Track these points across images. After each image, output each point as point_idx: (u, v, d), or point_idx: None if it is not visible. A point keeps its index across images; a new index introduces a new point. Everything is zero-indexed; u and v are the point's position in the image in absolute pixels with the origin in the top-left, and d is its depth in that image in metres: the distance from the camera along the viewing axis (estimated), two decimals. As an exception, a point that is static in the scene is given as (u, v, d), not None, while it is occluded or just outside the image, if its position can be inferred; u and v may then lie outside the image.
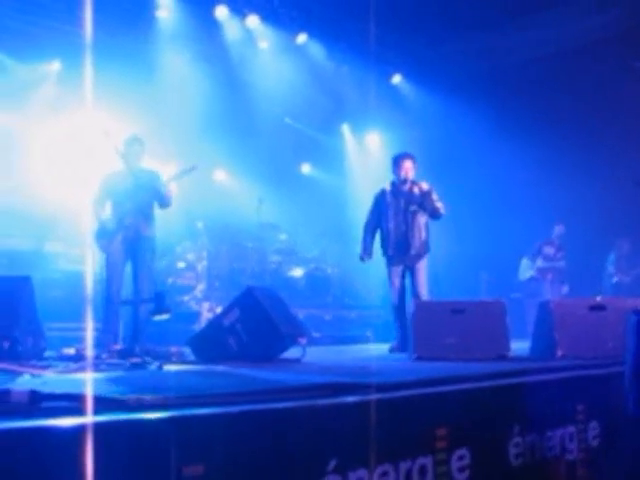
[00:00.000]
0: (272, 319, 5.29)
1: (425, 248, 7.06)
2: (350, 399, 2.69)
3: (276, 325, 5.28)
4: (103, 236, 6.28)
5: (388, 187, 7.19)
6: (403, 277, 7.10)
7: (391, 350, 6.77)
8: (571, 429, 3.44)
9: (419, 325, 5.30)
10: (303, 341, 5.54)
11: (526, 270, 10.84)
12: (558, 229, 10.52)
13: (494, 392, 3.24)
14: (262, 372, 4.30)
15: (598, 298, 5.77)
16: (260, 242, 10.34)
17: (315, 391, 2.79)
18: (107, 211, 6.38)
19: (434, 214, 7.04)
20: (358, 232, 7.48)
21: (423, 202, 6.97)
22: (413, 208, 7.01)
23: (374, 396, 2.75)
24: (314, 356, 5.64)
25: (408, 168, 7.07)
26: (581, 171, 10.36)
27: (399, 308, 6.99)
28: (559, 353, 5.05)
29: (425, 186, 7.01)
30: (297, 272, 10.25)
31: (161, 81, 9.87)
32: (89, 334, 5.36)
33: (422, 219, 7.04)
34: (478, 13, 9.55)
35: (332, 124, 12.35)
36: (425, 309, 5.45)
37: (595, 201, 10.25)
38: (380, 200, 7.21)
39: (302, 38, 10.83)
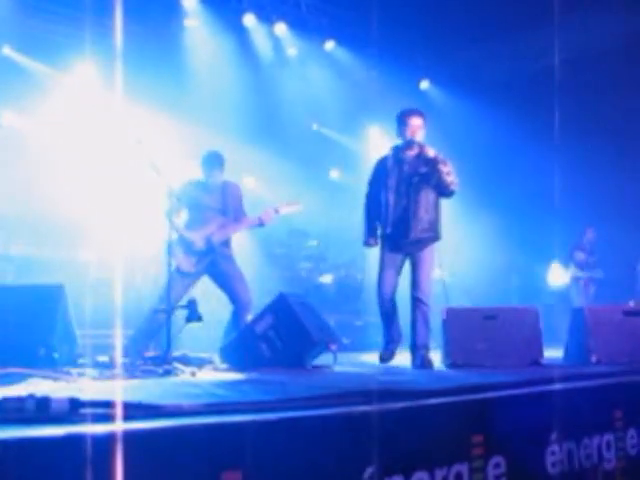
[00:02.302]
0: (304, 325, 5.32)
1: (430, 233, 5.65)
2: (385, 406, 2.69)
3: (308, 331, 5.30)
4: (188, 254, 6.20)
5: (390, 151, 5.91)
6: (399, 268, 5.79)
7: (382, 360, 5.77)
8: (609, 437, 3.40)
9: (452, 331, 5.29)
10: (334, 347, 5.55)
11: (557, 276, 10.72)
12: (589, 233, 10.39)
13: (530, 399, 3.22)
14: (295, 379, 4.32)
15: (632, 303, 5.72)
16: (289, 248, 10.38)
17: (349, 398, 2.79)
18: (181, 221, 6.24)
19: (441, 189, 5.64)
20: None
21: (428, 172, 5.60)
22: (417, 179, 5.64)
23: (409, 403, 2.75)
24: (345, 362, 5.65)
25: (416, 127, 5.68)
26: (613, 175, 10.26)
27: (389, 308, 5.79)
28: (593, 359, 5.01)
29: (431, 152, 5.59)
30: (327, 278, 10.26)
31: (190, 89, 9.96)
32: (117, 342, 5.41)
33: (429, 195, 5.65)
34: (506, 16, 9.50)
35: (361, 130, 12.36)
36: (456, 316, 5.43)
37: (628, 206, 10.14)
38: (380, 167, 5.92)
39: (330, 45, 10.87)
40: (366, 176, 11.30)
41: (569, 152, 10.48)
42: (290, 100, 10.85)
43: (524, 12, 9.41)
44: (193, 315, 5.39)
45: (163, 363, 4.97)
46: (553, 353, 5.66)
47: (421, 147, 5.65)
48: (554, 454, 3.15)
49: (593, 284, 10.41)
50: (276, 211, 6.42)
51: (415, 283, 5.68)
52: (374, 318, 9.80)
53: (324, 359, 5.52)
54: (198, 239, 6.20)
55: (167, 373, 4.75)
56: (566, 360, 5.43)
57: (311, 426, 2.43)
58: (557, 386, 3.48)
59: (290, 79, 10.89)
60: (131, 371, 4.77)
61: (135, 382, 4.18)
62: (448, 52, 10.75)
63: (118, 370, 4.71)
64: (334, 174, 12.64)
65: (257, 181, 11.40)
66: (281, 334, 5.30)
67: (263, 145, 10.40)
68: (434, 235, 5.70)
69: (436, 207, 5.71)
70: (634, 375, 3.90)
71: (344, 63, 11.03)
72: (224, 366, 5.39)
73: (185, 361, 5.23)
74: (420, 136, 5.69)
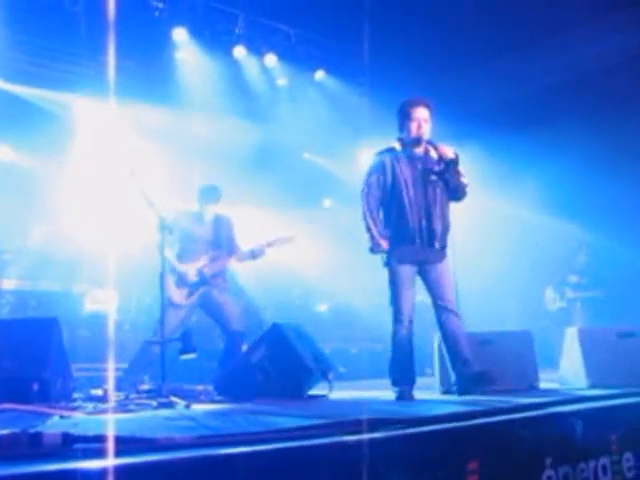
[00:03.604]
0: (299, 355, 5.31)
1: (447, 240, 5.10)
2: (380, 435, 2.69)
3: (303, 361, 5.30)
4: (181, 286, 6.22)
5: (398, 146, 5.15)
6: (414, 285, 5.07)
7: (400, 397, 4.84)
8: (604, 461, 3.39)
9: (444, 357, 5.26)
10: (330, 376, 5.54)
11: (552, 300, 10.77)
12: (581, 257, 10.49)
13: (525, 424, 3.21)
14: (290, 409, 4.30)
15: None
16: (283, 279, 10.39)
17: (341, 428, 2.79)
18: (172, 253, 6.21)
19: (457, 192, 5.06)
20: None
21: (445, 172, 5.00)
22: (434, 179, 5.01)
23: (404, 431, 2.75)
24: (341, 391, 5.63)
25: (423, 120, 5.03)
26: (609, 199, 10.30)
27: (409, 335, 4.97)
28: (589, 382, 5.00)
29: (450, 152, 4.98)
30: (322, 306, 10.26)
31: (182, 120, 10.03)
32: (110, 374, 5.39)
33: (445, 196, 5.06)
34: (493, 44, 9.58)
35: (352, 158, 12.42)
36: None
37: (625, 228, 10.18)
38: (388, 163, 5.07)
39: (320, 74, 10.97)
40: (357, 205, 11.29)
41: (564, 175, 10.49)
42: (282, 130, 10.93)
43: (510, 39, 9.48)
44: (187, 347, 5.39)
45: (157, 396, 4.96)
46: (550, 375, 5.66)
47: (434, 145, 5.02)
48: (550, 479, 3.14)
49: (589, 304, 10.44)
50: (269, 245, 6.43)
51: (441, 295, 5.03)
52: (370, 344, 9.85)
53: (321, 388, 5.50)
54: (190, 271, 6.22)
55: (161, 406, 4.73)
56: (562, 383, 5.42)
57: (302, 456, 2.42)
58: (551, 410, 3.48)
59: (281, 109, 10.97)
60: (125, 405, 4.75)
61: (129, 416, 4.16)
62: (437, 79, 10.82)
63: (112, 404, 4.70)
64: (327, 203, 12.66)
65: (250, 210, 11.43)
66: (276, 364, 5.29)
67: (256, 175, 10.44)
68: (439, 246, 5.07)
69: (449, 210, 5.15)
70: (628, 397, 3.89)
71: (334, 92, 11.12)
72: (219, 398, 5.37)
73: (180, 393, 5.21)
74: (427, 131, 5.05)
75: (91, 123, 9.38)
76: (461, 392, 4.86)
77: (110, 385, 5.15)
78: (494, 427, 3.09)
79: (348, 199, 12.41)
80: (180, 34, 9.86)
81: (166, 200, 6.79)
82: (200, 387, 5.82)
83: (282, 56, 10.60)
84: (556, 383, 5.48)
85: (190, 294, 6.19)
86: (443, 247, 5.05)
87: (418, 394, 4.92)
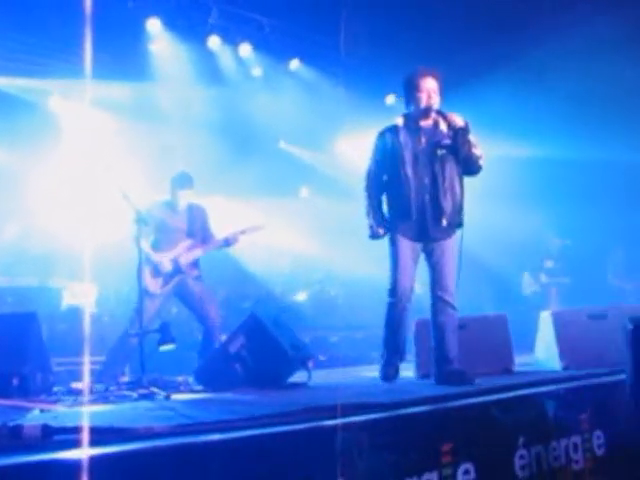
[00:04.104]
0: (278, 343, 5.34)
1: (459, 217, 4.78)
2: (356, 419, 2.74)
3: (282, 349, 5.32)
4: (156, 276, 6.26)
5: (401, 122, 4.94)
6: (417, 262, 4.84)
7: (386, 378, 4.91)
8: (576, 439, 3.48)
9: (423, 343, 5.31)
10: (309, 364, 5.59)
11: (529, 285, 10.93)
12: (554, 241, 10.67)
13: (498, 406, 3.28)
14: (269, 397, 4.35)
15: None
16: (263, 267, 10.44)
17: (317, 413, 2.84)
18: (147, 244, 6.25)
19: (469, 165, 4.77)
20: (360, 251, 7.31)
21: (457, 143, 4.69)
22: (442, 152, 4.75)
23: (379, 415, 2.81)
24: (321, 379, 5.68)
25: (432, 91, 4.77)
26: (580, 184, 10.45)
27: (402, 310, 4.83)
28: (562, 364, 5.09)
29: (460, 120, 4.70)
30: (302, 295, 10.31)
31: (157, 111, 10.00)
32: (90, 367, 5.41)
33: (454, 171, 4.77)
34: (470, 32, 9.58)
35: (329, 147, 12.46)
36: (426, 327, 5.45)
37: (594, 213, 10.34)
38: (389, 140, 4.88)
39: (295, 63, 10.97)
40: (335, 193, 11.35)
41: (537, 162, 10.63)
42: (257, 120, 10.92)
43: (483, 27, 9.48)
44: (166, 338, 5.42)
45: (137, 387, 4.98)
46: (525, 359, 5.75)
47: (443, 115, 4.74)
48: (523, 458, 3.22)
49: (562, 289, 10.62)
50: (242, 232, 6.49)
51: (440, 281, 4.76)
52: (350, 333, 9.92)
53: (300, 376, 5.54)
54: (165, 261, 6.26)
55: (141, 397, 4.76)
56: (536, 366, 5.51)
57: (279, 442, 2.47)
58: (524, 392, 3.56)
59: (256, 99, 10.96)
60: (105, 397, 4.77)
61: (109, 407, 4.19)
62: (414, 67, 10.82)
63: (93, 396, 4.72)
64: (304, 192, 12.69)
65: (225, 200, 11.45)
66: (255, 353, 5.31)
67: (232, 165, 10.44)
68: (461, 220, 4.79)
69: (462, 186, 4.80)
70: (599, 378, 3.98)
71: (309, 81, 11.12)
72: (199, 388, 5.40)
73: (160, 384, 5.23)
74: (436, 102, 4.78)
75: (66, 117, 9.33)
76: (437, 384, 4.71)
77: (90, 378, 5.18)
78: (468, 409, 3.16)
79: (325, 188, 12.50)
80: (154, 25, 9.78)
81: (142, 192, 6.82)
82: (180, 378, 5.84)
83: (256, 46, 10.57)
84: (531, 366, 5.56)
85: (165, 283, 6.24)
86: (451, 225, 4.76)
87: (396, 382, 4.97)
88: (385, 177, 4.95)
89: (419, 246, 4.81)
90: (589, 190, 10.41)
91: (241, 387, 5.12)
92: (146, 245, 6.16)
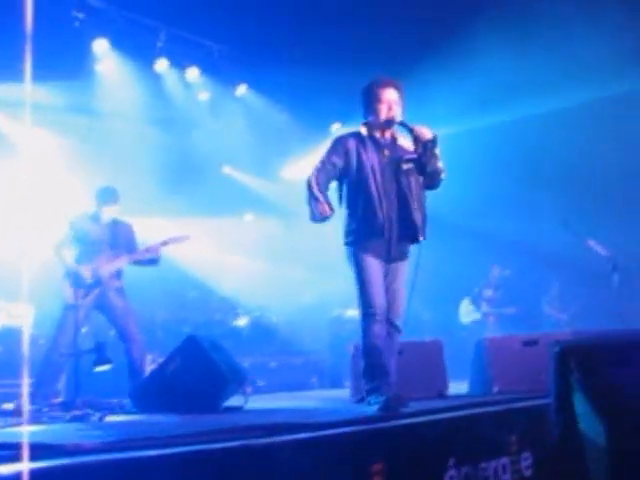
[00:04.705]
0: (215, 365, 5.30)
1: (423, 236, 4.53)
2: (285, 438, 2.76)
3: (219, 371, 5.29)
4: (75, 287, 6.17)
5: (365, 131, 4.62)
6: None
7: (389, 409, 3.91)
8: (505, 460, 3.55)
9: (357, 367, 5.33)
10: (247, 388, 5.57)
11: (468, 313, 11.09)
12: (494, 271, 10.88)
13: (428, 427, 3.34)
14: (204, 418, 4.33)
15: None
16: (203, 292, 10.39)
17: (251, 432, 2.85)
18: (71, 256, 6.27)
19: (434, 178, 4.51)
20: (302, 279, 7.37)
21: (424, 157, 4.39)
22: (407, 167, 4.49)
23: (309, 434, 2.83)
24: (258, 403, 5.66)
25: (393, 102, 4.53)
26: (522, 213, 10.72)
27: (381, 332, 4.38)
28: (495, 389, 5.19)
29: (428, 133, 4.39)
30: (242, 321, 10.27)
31: (102, 132, 9.94)
32: (25, 388, 5.30)
33: (420, 184, 4.54)
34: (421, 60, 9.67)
35: (275, 173, 12.51)
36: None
37: (537, 245, 10.62)
38: (352, 147, 4.54)
39: (242, 89, 11.05)
40: (280, 219, 11.34)
41: (477, 191, 10.84)
42: (203, 144, 10.94)
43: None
44: (102, 359, 5.35)
45: (71, 409, 4.90)
46: (461, 385, 5.83)
47: (408, 128, 4.44)
48: (452, 478, 3.27)
49: (501, 319, 10.82)
50: (164, 243, 6.47)
51: (393, 305, 4.51)
52: (289, 358, 9.91)
53: (237, 400, 5.52)
54: (85, 272, 6.20)
55: (74, 419, 4.68)
56: (471, 390, 5.60)
57: (205, 460, 2.47)
58: (454, 414, 3.62)
59: (203, 123, 10.99)
60: (37, 418, 4.68)
61: (41, 427, 4.11)
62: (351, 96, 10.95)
63: (24, 417, 4.62)
64: (248, 218, 12.70)
65: (167, 222, 11.37)
66: (192, 376, 5.25)
67: (175, 188, 10.41)
68: (423, 238, 4.54)
69: (425, 201, 4.58)
70: (527, 401, 4.08)
71: (256, 107, 11.20)
72: (135, 410, 5.33)
73: (94, 406, 5.15)
74: (398, 113, 4.54)
75: (6, 134, 9.18)
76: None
77: (23, 400, 5.08)
78: (399, 430, 3.20)
79: (270, 215, 12.54)
80: (101, 45, 9.76)
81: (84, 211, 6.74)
82: (115, 400, 5.76)
83: (204, 70, 10.63)
84: (465, 390, 5.65)
85: (85, 295, 6.16)
86: (416, 240, 4.52)
87: (329, 403, 5.00)
88: (344, 186, 4.61)
89: (384, 266, 4.51)
90: (528, 220, 10.70)
91: (177, 410, 5.07)
92: (67, 257, 6.20)
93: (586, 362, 2.77)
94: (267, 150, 11.45)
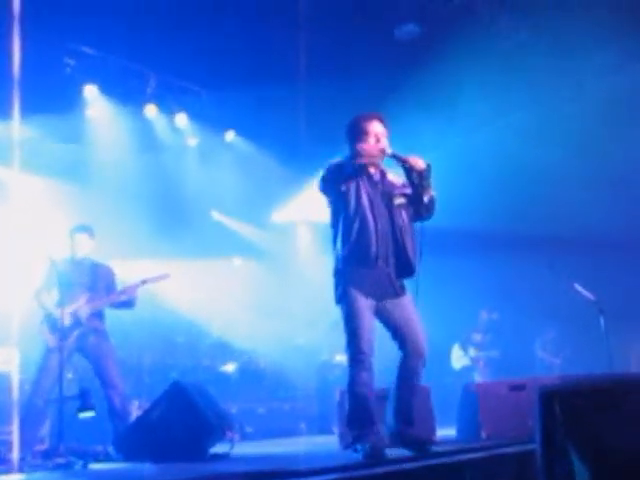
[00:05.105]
0: (200, 412, 5.26)
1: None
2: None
3: (205, 418, 5.25)
4: (54, 331, 6.11)
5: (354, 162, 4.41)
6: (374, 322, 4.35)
7: (371, 454, 3.87)
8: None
9: (345, 413, 5.28)
10: (231, 435, 5.51)
11: (458, 359, 11.06)
12: (482, 315, 10.89)
13: (415, 474, 3.31)
14: (189, 466, 4.27)
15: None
16: (192, 337, 10.32)
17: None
18: (52, 300, 6.21)
19: (430, 209, 4.42)
20: (290, 324, 7.19)
21: (420, 188, 4.30)
22: (399, 202, 4.44)
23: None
24: (244, 450, 5.61)
25: (380, 134, 4.46)
26: (511, 259, 10.77)
27: (370, 381, 4.24)
28: (484, 434, 5.16)
29: (422, 162, 4.29)
30: (230, 366, 10.18)
31: (91, 178, 9.97)
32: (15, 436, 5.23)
33: (411, 219, 4.47)
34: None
35: (263, 219, 12.54)
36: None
37: (524, 288, 10.66)
38: (345, 172, 4.39)
39: (230, 135, 11.16)
40: (269, 265, 11.29)
41: (466, 237, 10.91)
42: (191, 189, 10.99)
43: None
44: (86, 405, 5.28)
45: (54, 456, 4.83)
46: (449, 430, 5.79)
47: (401, 159, 4.31)
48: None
49: (491, 363, 10.79)
50: (143, 282, 6.44)
51: (411, 336, 4.35)
52: (277, 404, 9.82)
53: (224, 447, 5.45)
54: (65, 315, 6.15)
55: (57, 467, 4.61)
56: (459, 436, 5.56)
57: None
58: (442, 460, 3.59)
59: (191, 168, 11.06)
60: (20, 466, 4.61)
61: (23, 477, 4.04)
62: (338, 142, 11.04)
63: (4, 466, 4.56)
64: (237, 262, 12.68)
65: (153, 264, 11.31)
66: (177, 422, 5.20)
67: (165, 232, 10.40)
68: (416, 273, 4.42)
69: (415, 237, 4.47)
70: (515, 447, 4.04)
71: (244, 153, 11.29)
72: (119, 457, 5.26)
73: (77, 453, 5.09)
74: (386, 145, 4.44)
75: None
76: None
77: (4, 447, 5.01)
78: (384, 477, 3.17)
79: (259, 260, 12.52)
80: (91, 91, 9.86)
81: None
82: (99, 447, 5.68)
83: (193, 116, 10.74)
84: (453, 436, 5.61)
85: (65, 337, 6.09)
86: (411, 276, 4.41)
87: (317, 450, 4.94)
88: (342, 211, 4.41)
89: (374, 304, 4.32)
90: (518, 266, 10.74)
91: (162, 457, 5.00)
92: (47, 301, 6.17)
93: (571, 407, 2.76)
94: (256, 195, 11.48)
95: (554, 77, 9.25)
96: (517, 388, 5.31)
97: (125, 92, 10.06)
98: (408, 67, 8.97)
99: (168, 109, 10.56)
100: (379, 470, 3.23)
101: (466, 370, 10.79)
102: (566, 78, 9.33)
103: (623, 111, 9.24)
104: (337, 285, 4.41)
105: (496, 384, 5.66)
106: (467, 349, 10.90)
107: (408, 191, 4.44)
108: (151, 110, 10.44)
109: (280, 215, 12.63)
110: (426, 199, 4.35)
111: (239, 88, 9.88)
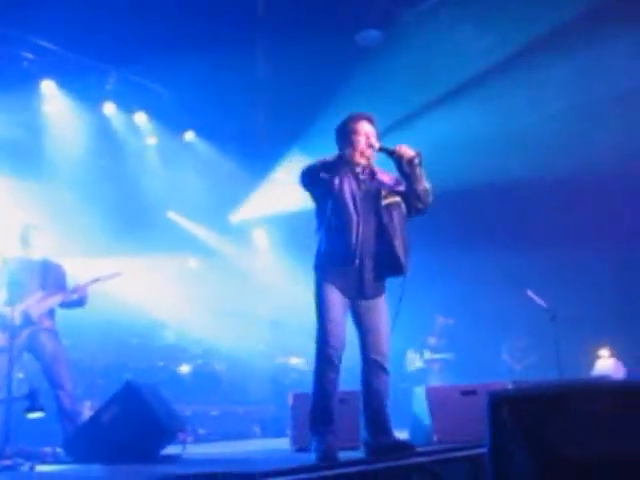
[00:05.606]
0: (153, 413, 5.20)
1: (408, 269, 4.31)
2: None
3: (157, 419, 5.19)
4: (4, 329, 5.97)
5: (339, 160, 4.35)
6: (346, 321, 4.31)
7: (324, 457, 3.92)
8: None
9: (298, 416, 5.30)
10: (184, 436, 5.47)
11: (413, 362, 11.13)
12: (438, 319, 10.99)
13: (364, 477, 3.32)
14: (139, 468, 4.23)
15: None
16: (146, 339, 10.21)
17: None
18: (2, 298, 6.09)
19: (424, 199, 4.35)
20: (246, 327, 7.07)
21: (412, 175, 4.25)
22: (388, 201, 4.37)
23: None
24: (197, 451, 5.57)
25: (370, 134, 4.39)
26: (474, 270, 10.89)
27: (335, 377, 4.19)
28: (435, 438, 5.18)
29: (411, 150, 4.26)
30: (184, 368, 10.10)
31: (47, 174, 9.82)
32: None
33: (403, 218, 4.39)
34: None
35: (220, 218, 12.47)
36: (304, 399, 5.41)
37: (487, 299, 10.78)
38: (335, 167, 4.31)
39: (190, 135, 11.10)
40: (225, 268, 11.21)
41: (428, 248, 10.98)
42: (150, 189, 10.90)
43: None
44: (34, 406, 5.18)
45: (0, 458, 4.73)
46: (402, 434, 5.80)
47: (390, 151, 4.27)
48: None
49: (446, 366, 10.88)
50: (95, 280, 6.39)
51: (376, 344, 4.30)
52: (231, 407, 9.76)
53: (175, 449, 5.41)
54: (15, 313, 6.05)
55: (3, 469, 4.52)
56: (410, 440, 5.56)
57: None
58: (390, 464, 3.61)
59: (149, 167, 10.97)
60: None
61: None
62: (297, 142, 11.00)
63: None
64: (192, 263, 12.58)
65: (113, 266, 11.19)
66: (128, 423, 5.13)
67: (122, 232, 10.29)
68: (406, 272, 4.31)
69: (408, 236, 4.37)
70: (466, 451, 4.07)
71: (203, 153, 11.24)
72: (68, 459, 5.17)
73: (25, 455, 4.99)
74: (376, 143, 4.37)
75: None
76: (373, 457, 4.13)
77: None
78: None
79: (215, 262, 12.44)
80: (49, 86, 9.74)
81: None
82: (48, 449, 5.58)
83: (153, 115, 10.65)
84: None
85: (15, 336, 5.99)
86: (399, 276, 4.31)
87: (269, 453, 4.93)
88: (323, 206, 4.34)
89: (349, 303, 4.29)
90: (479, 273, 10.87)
91: (112, 459, 4.93)
92: None
93: (519, 412, 2.80)
94: (214, 195, 11.42)
95: (512, 86, 9.40)
96: (468, 393, 5.35)
97: (83, 88, 9.95)
98: (370, 71, 9.03)
99: (127, 107, 10.46)
100: (330, 473, 3.23)
101: (421, 373, 10.85)
102: (524, 89, 9.49)
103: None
104: (314, 281, 4.35)
105: (448, 388, 5.69)
106: (422, 352, 10.98)
107: (401, 188, 4.40)
108: (110, 108, 10.34)
109: (238, 216, 12.56)
110: (419, 189, 4.30)
111: (200, 88, 9.85)
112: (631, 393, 2.77)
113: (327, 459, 3.89)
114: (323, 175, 4.27)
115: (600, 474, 2.68)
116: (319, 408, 4.22)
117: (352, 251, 4.21)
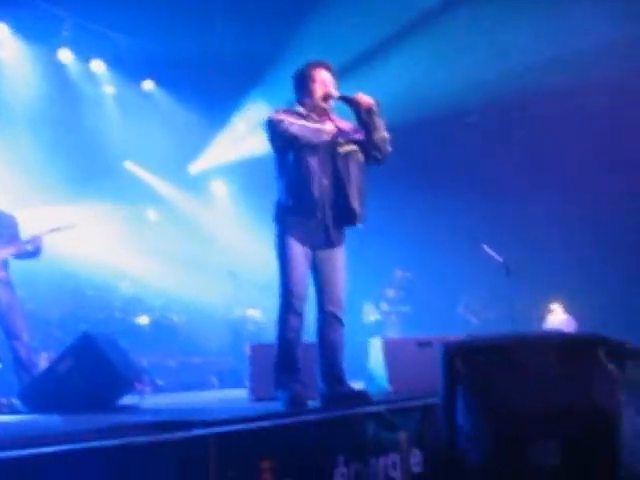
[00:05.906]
0: (110, 363, 5.19)
1: (363, 220, 4.35)
2: (174, 435, 2.74)
3: (115, 369, 5.18)
4: None
5: (302, 110, 4.36)
6: (309, 271, 4.31)
7: (292, 403, 4.05)
8: (394, 457, 3.63)
9: (256, 367, 5.33)
10: (141, 387, 5.48)
11: (370, 313, 11.24)
12: (397, 273, 11.09)
13: (318, 425, 3.37)
14: (96, 417, 4.23)
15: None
16: (102, 290, 10.15)
17: (141, 430, 2.82)
18: None
19: (382, 148, 4.34)
20: (205, 279, 7.09)
21: (370, 124, 4.25)
22: (345, 150, 4.31)
23: (198, 432, 2.81)
24: (154, 402, 5.59)
25: (328, 82, 4.37)
26: (433, 224, 10.99)
27: (299, 328, 4.23)
28: (391, 389, 5.29)
29: (369, 99, 4.24)
30: (142, 320, 10.08)
31: (2, 120, 9.59)
32: None
33: (361, 168, 4.37)
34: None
35: (181, 172, 12.34)
36: (261, 350, 5.46)
37: (445, 254, 10.90)
38: (297, 119, 4.27)
39: (148, 84, 10.89)
40: (183, 219, 11.12)
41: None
42: (107, 139, 10.71)
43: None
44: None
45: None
46: (357, 384, 5.89)
47: (347, 99, 4.25)
48: (343, 475, 3.32)
49: (403, 318, 11.02)
50: (51, 230, 6.31)
51: (331, 295, 4.31)
52: (189, 358, 9.80)
53: (133, 399, 5.42)
54: None
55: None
56: (367, 390, 5.67)
57: (85, 459, 2.43)
58: (343, 412, 3.68)
59: (106, 116, 10.76)
60: None
61: None
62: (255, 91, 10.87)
63: None
64: (151, 215, 12.46)
65: (70, 215, 11.03)
66: (84, 373, 5.11)
67: (77, 182, 10.13)
68: (361, 223, 4.34)
69: (364, 187, 4.36)
70: (418, 400, 4.16)
71: (161, 103, 11.06)
72: (24, 410, 5.15)
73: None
74: (334, 94, 4.35)
75: None
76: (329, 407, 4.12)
77: None
78: (287, 427, 3.22)
79: (172, 213, 12.34)
80: (2, 30, 9.45)
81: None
82: (3, 399, 5.55)
83: (110, 63, 10.42)
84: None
85: None
86: (351, 226, 4.34)
87: (226, 403, 4.97)
88: (284, 157, 4.30)
89: (310, 253, 4.27)
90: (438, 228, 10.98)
91: (70, 409, 4.93)
92: None
93: (470, 362, 2.87)
94: (172, 146, 11.27)
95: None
96: (424, 344, 5.44)
97: (39, 34, 9.68)
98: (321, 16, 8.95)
99: (84, 54, 10.22)
100: (288, 421, 3.29)
101: (377, 325, 10.98)
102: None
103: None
104: (275, 232, 4.34)
105: (404, 340, 5.80)
106: (379, 304, 11.08)
107: (359, 136, 4.35)
108: (65, 54, 10.08)
109: (197, 166, 12.43)
110: (377, 138, 4.28)
111: (158, 36, 9.65)
112: (575, 345, 2.87)
113: (295, 406, 3.96)
114: (284, 128, 4.19)
115: (546, 423, 2.78)
116: (284, 357, 4.25)
117: (313, 204, 4.21)
